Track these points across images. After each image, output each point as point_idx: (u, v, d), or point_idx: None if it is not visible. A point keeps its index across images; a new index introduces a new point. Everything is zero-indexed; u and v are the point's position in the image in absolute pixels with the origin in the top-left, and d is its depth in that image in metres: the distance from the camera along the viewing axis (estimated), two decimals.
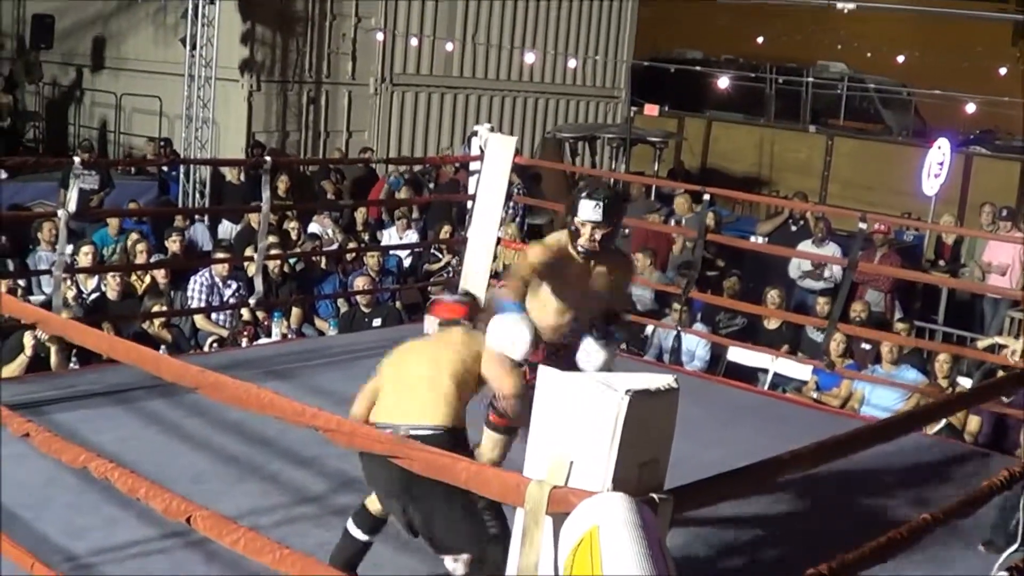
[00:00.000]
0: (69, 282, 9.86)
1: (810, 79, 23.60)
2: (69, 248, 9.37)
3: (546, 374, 2.25)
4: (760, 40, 30.32)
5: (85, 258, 10.33)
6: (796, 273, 13.04)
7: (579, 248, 4.69)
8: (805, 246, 12.98)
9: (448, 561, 4.04)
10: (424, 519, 4.00)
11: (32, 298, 10.41)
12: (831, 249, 12.86)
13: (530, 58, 19.72)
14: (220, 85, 16.55)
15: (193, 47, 16.22)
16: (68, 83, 19.29)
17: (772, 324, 10.92)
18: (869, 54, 29.37)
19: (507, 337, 4.22)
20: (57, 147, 18.24)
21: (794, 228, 14.20)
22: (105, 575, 4.80)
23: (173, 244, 12.01)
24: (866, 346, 10.22)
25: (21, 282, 10.21)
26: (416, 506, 3.96)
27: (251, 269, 10.03)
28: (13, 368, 8.12)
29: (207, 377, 2.97)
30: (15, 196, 14.35)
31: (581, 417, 2.16)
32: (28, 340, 8.05)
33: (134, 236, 11.99)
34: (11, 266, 11.22)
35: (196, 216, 14.04)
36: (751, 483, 2.50)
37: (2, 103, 16.87)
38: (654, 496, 2.12)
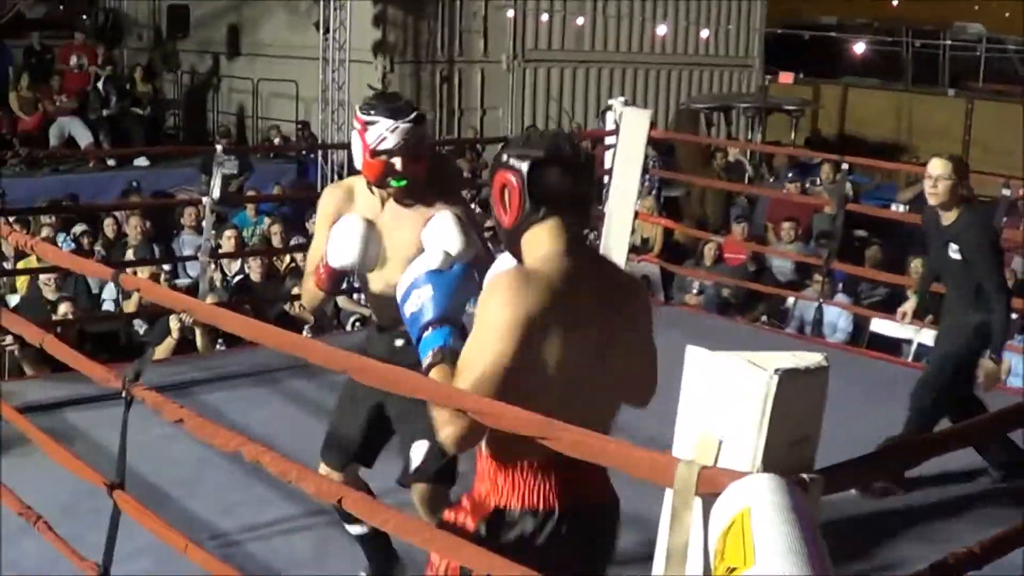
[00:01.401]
0: (214, 266, 10.06)
1: (947, 41, 23.10)
2: (214, 234, 9.56)
3: (693, 353, 2.23)
4: (895, 3, 29.71)
5: (228, 242, 10.52)
6: None
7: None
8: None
9: (415, 448, 3.99)
10: (400, 412, 4.01)
11: (178, 282, 10.65)
12: None
13: (662, 30, 19.58)
14: (355, 67, 16.73)
15: (327, 31, 16.42)
16: (205, 71, 19.63)
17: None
18: (1008, 14, 28.61)
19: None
20: (196, 134, 18.61)
21: None
22: (252, 552, 4.90)
23: (313, 225, 12.18)
24: (1013, 315, 9.97)
25: (166, 267, 10.44)
26: (393, 401, 3.94)
27: None
28: (161, 351, 8.31)
29: (353, 360, 3.00)
30: (157, 183, 14.70)
31: (729, 396, 2.14)
32: (175, 323, 8.22)
33: (267, 220, 12.18)
34: (156, 252, 11.47)
35: None
36: (903, 461, 2.46)
37: (142, 92, 17.22)
38: (805, 477, 2.09)
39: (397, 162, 3.85)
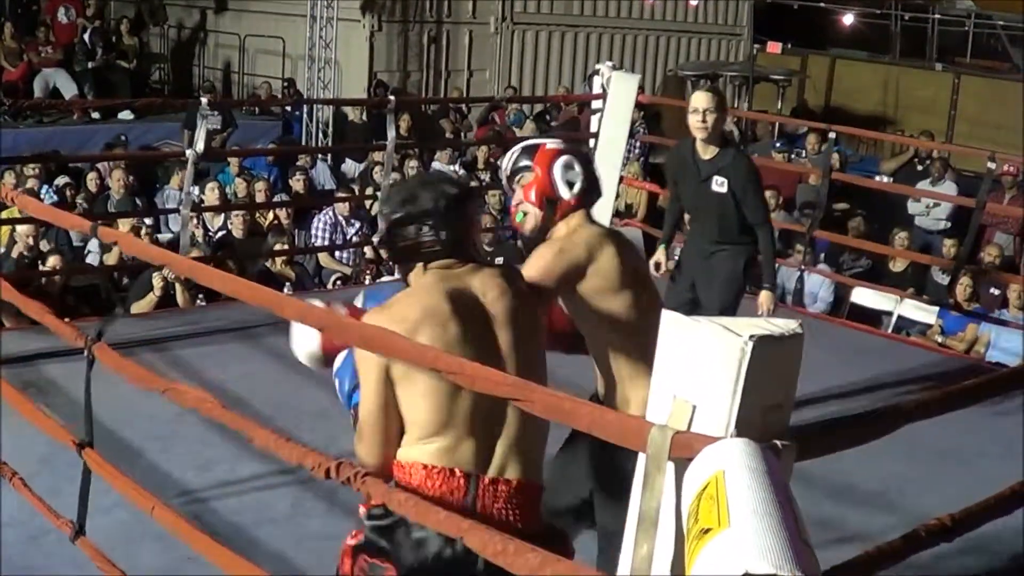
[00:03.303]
0: (196, 221, 10.04)
1: (936, 16, 23.03)
2: (196, 188, 9.53)
3: (669, 317, 2.23)
4: None
5: (212, 194, 10.50)
6: (919, 210, 12.93)
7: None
8: (922, 185, 12.81)
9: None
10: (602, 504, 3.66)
11: (160, 236, 10.62)
12: (948, 188, 12.68)
13: None
14: (342, 25, 16.65)
15: None
16: (192, 25, 19.52)
17: (898, 266, 10.77)
18: None
19: None
20: (182, 89, 18.50)
21: (920, 167, 13.97)
22: (226, 509, 4.90)
23: (297, 183, 12.17)
24: (994, 290, 10.03)
25: (148, 221, 10.41)
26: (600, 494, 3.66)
27: (375, 207, 10.13)
28: (142, 306, 8.31)
29: (331, 318, 2.99)
30: (142, 137, 14.64)
31: (703, 362, 2.14)
32: (157, 279, 8.21)
33: (239, 181, 12.12)
34: (139, 204, 11.44)
35: (319, 156, 14.17)
36: (878, 429, 2.47)
37: (128, 46, 17.11)
38: (778, 443, 2.10)
39: None
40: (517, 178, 3.69)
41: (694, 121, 5.63)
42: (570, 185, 3.63)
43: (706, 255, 5.89)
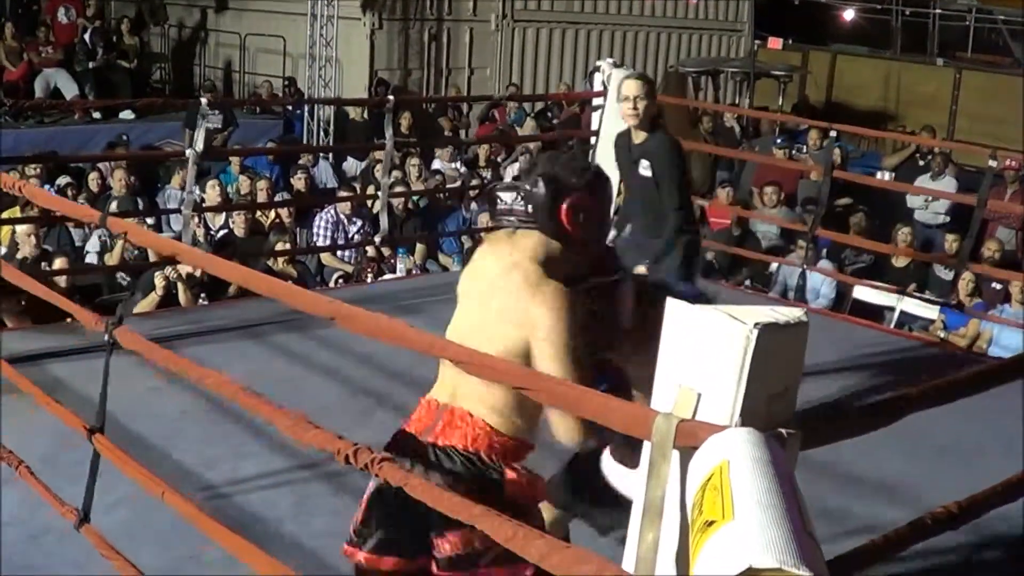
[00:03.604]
0: (197, 220, 10.04)
1: (937, 11, 23.02)
2: (197, 189, 9.53)
3: (673, 307, 2.23)
4: None
5: (213, 191, 10.51)
6: (918, 204, 12.96)
7: None
8: (922, 180, 12.81)
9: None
10: None
11: (161, 236, 10.62)
12: (947, 183, 12.68)
13: None
14: (343, 24, 16.67)
15: None
16: (193, 24, 19.52)
17: (900, 262, 10.77)
18: None
19: None
20: (183, 88, 18.52)
21: (922, 163, 13.98)
22: (233, 506, 4.90)
23: (298, 182, 12.18)
24: (996, 285, 10.03)
25: (150, 220, 10.42)
26: None
27: (376, 206, 10.14)
28: (144, 305, 8.32)
29: (341, 308, 3.00)
30: (143, 137, 14.66)
31: (708, 350, 2.15)
32: (159, 279, 8.22)
33: (243, 179, 12.13)
34: (140, 204, 11.44)
35: (321, 155, 14.18)
36: (883, 418, 2.47)
37: (129, 45, 17.12)
38: (783, 431, 2.10)
39: None
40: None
41: (626, 108, 5.78)
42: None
43: (641, 242, 5.96)
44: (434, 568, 3.06)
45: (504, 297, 3.09)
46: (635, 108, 5.75)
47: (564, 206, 3.13)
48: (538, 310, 3.01)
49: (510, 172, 13.86)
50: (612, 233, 6.25)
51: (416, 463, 3.05)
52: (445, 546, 3.00)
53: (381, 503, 3.10)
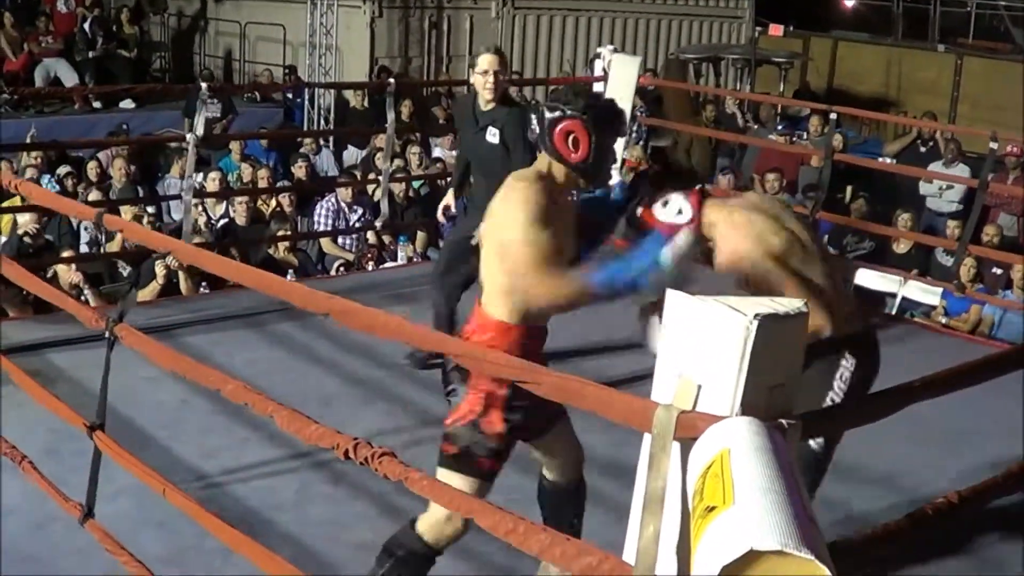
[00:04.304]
0: (200, 208, 10.03)
1: None
2: (199, 176, 9.53)
3: (673, 297, 2.23)
4: None
5: (213, 183, 10.49)
6: (932, 192, 12.89)
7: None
8: (935, 167, 12.75)
9: None
10: None
11: (162, 225, 10.61)
12: (961, 170, 12.62)
13: None
14: (343, 12, 16.63)
15: None
16: (192, 13, 19.48)
17: (901, 248, 10.75)
18: None
19: None
20: (183, 77, 18.46)
21: (923, 149, 13.94)
22: (233, 495, 4.91)
23: (299, 170, 12.17)
24: (997, 270, 10.02)
25: (150, 209, 10.40)
26: None
27: (376, 193, 10.12)
28: (145, 294, 8.30)
29: (336, 303, 3.00)
30: (143, 126, 14.63)
31: (708, 341, 2.14)
32: (160, 267, 8.21)
33: (245, 167, 12.10)
34: (141, 192, 11.43)
35: (322, 143, 14.15)
36: (881, 410, 2.47)
37: (129, 34, 17.08)
38: (783, 421, 2.10)
39: None
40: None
41: (483, 81, 6.08)
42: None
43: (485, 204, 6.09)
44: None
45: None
46: (494, 80, 6.07)
47: (557, 130, 3.57)
48: (498, 206, 3.61)
49: None
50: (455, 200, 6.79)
51: None
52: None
53: None
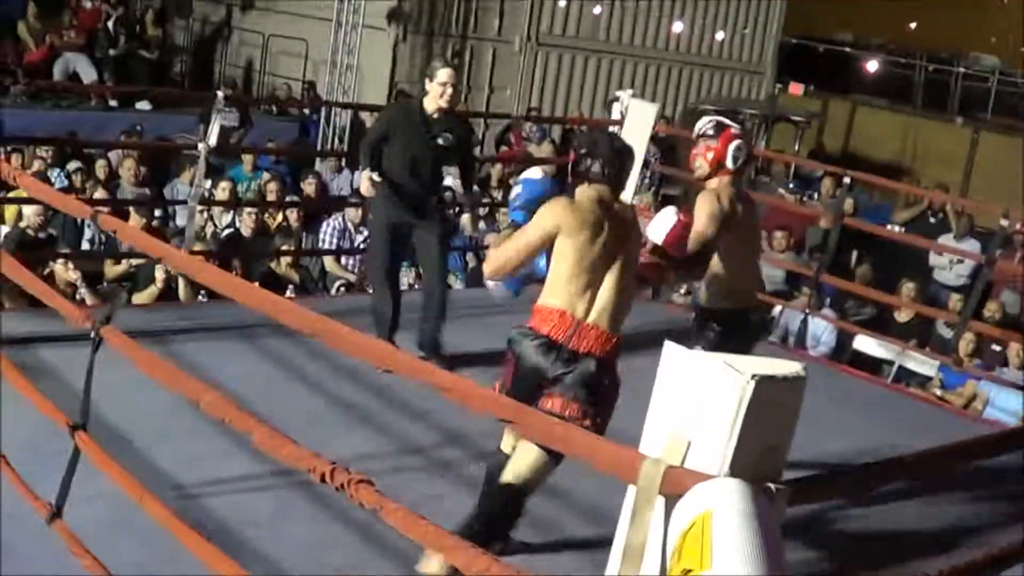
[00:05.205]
0: (205, 216, 10.01)
1: (961, 70, 23.03)
2: (208, 183, 9.50)
3: (670, 350, 2.20)
4: (913, 26, 29.61)
5: (222, 192, 10.48)
6: (941, 264, 12.84)
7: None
8: (946, 239, 12.72)
9: None
10: None
11: (168, 229, 10.59)
12: (971, 245, 12.59)
13: (678, 27, 19.50)
14: (367, 33, 16.65)
15: None
16: (217, 20, 19.50)
17: (903, 317, 10.71)
18: (1023, 49, 28.54)
19: None
20: (202, 83, 18.49)
21: (932, 220, 13.92)
22: (211, 507, 4.85)
23: (309, 186, 12.17)
24: (996, 347, 9.99)
25: (157, 212, 10.39)
26: None
27: None
28: (144, 297, 8.28)
29: (326, 325, 2.96)
30: (157, 128, 14.61)
31: (703, 397, 2.11)
32: (160, 271, 8.19)
33: (266, 176, 12.13)
34: (148, 194, 11.40)
35: (343, 164, 14.12)
36: (871, 482, 2.43)
37: (151, 36, 17.12)
38: (771, 486, 2.06)
39: None
40: (703, 140, 5.44)
41: (441, 92, 6.84)
42: (735, 160, 5.37)
43: (423, 197, 6.95)
44: None
45: None
46: (452, 91, 6.86)
47: (569, 160, 4.64)
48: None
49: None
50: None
51: None
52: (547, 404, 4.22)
53: None
